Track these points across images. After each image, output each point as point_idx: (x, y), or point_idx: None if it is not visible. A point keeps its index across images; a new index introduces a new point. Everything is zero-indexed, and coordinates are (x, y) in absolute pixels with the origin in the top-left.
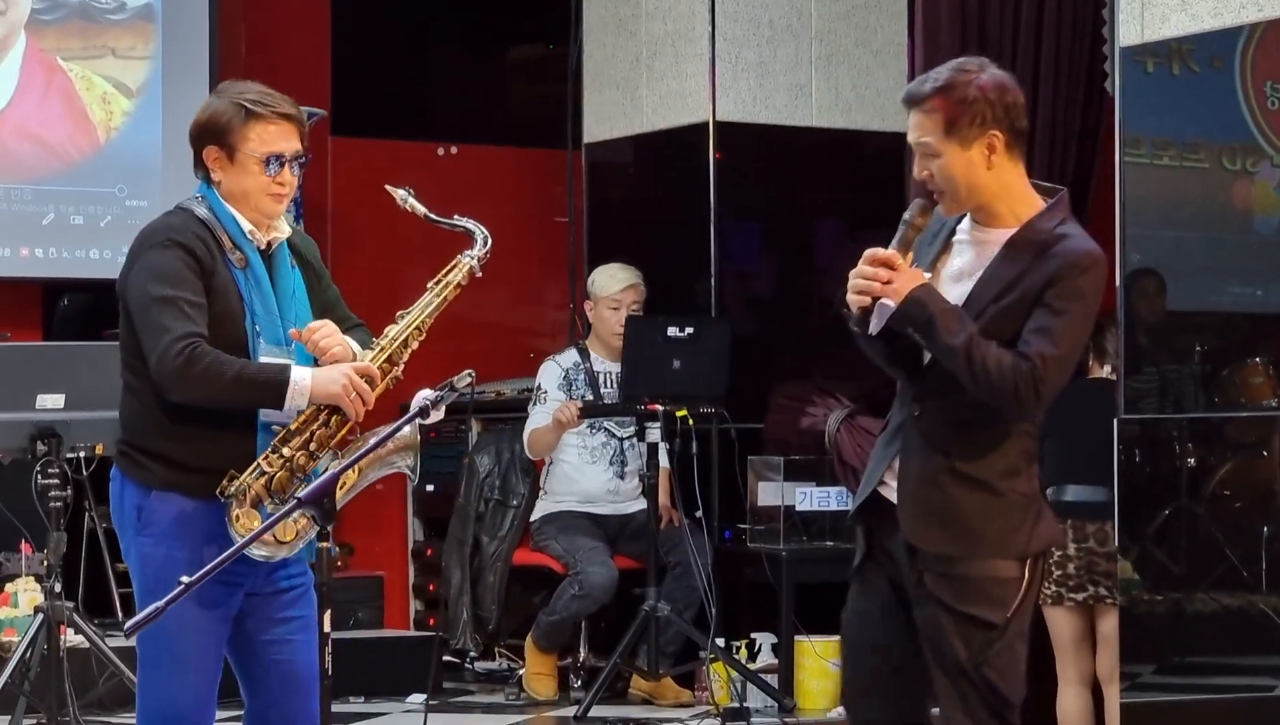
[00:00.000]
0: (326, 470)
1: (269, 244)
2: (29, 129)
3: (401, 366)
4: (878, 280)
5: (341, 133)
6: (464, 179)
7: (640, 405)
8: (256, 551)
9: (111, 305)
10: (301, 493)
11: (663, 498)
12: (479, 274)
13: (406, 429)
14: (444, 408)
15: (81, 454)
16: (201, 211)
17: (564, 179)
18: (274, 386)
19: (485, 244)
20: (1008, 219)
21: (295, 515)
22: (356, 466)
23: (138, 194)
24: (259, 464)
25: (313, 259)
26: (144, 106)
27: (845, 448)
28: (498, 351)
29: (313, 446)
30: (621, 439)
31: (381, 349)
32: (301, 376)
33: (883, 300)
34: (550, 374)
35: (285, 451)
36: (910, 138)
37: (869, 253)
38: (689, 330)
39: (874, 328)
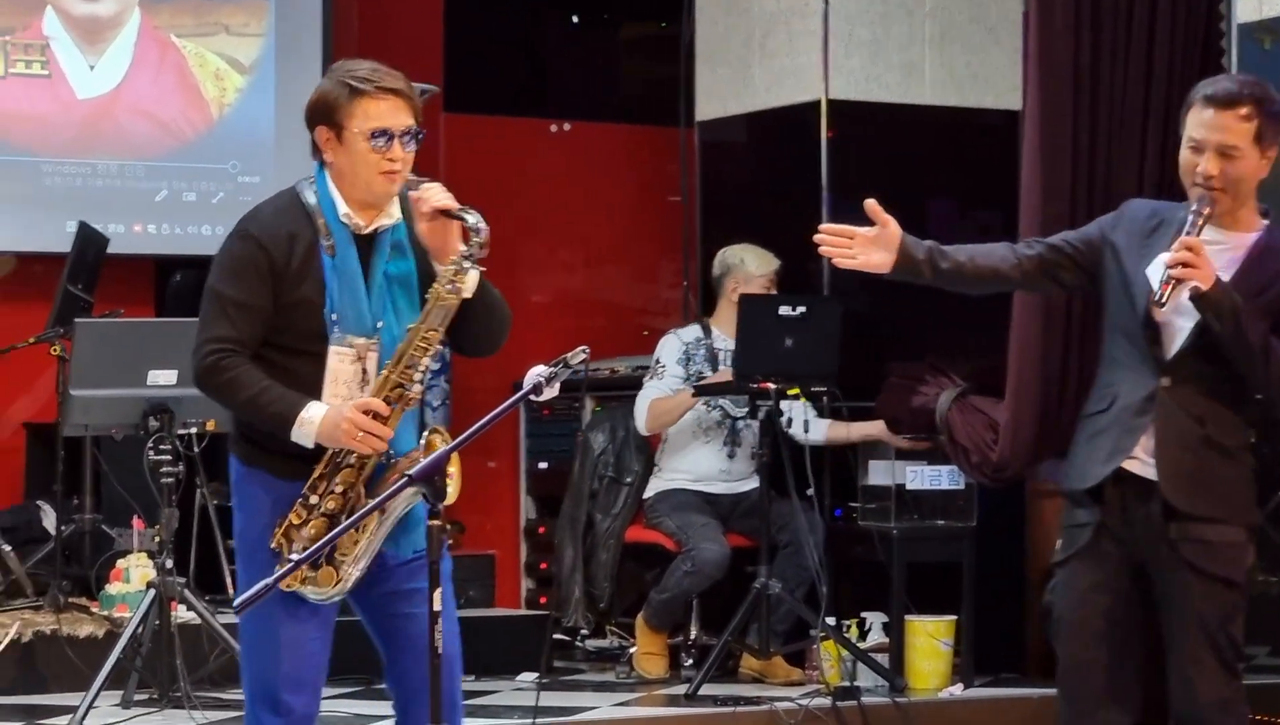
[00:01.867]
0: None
1: (377, 230)
2: (143, 106)
3: (417, 386)
4: (1192, 265)
5: (455, 109)
6: (577, 156)
7: (753, 383)
8: (311, 594)
9: None
10: (413, 470)
11: (860, 429)
12: (475, 270)
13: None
14: (557, 385)
15: (193, 430)
16: (308, 194)
17: (676, 157)
18: (281, 420)
19: (480, 236)
20: (1245, 224)
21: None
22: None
23: (250, 170)
24: (289, 518)
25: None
26: (257, 83)
27: (956, 427)
28: (612, 329)
29: (340, 488)
30: (735, 418)
31: (384, 378)
32: (311, 416)
33: (1192, 282)
34: (670, 348)
35: (313, 499)
36: (1212, 137)
37: (1183, 240)
38: (801, 309)
39: (1169, 306)
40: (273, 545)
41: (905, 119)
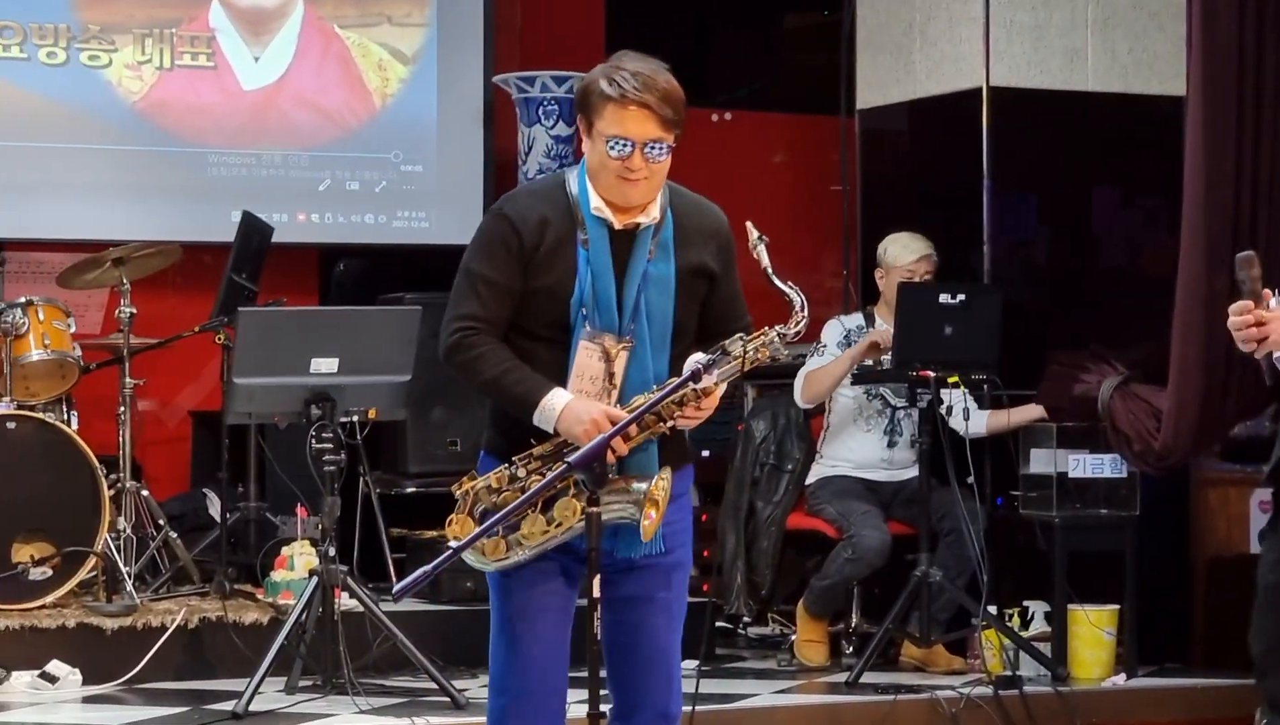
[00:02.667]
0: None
1: (637, 226)
2: (306, 96)
3: (671, 423)
4: (1250, 336)
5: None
6: (739, 146)
7: (912, 372)
8: (468, 557)
9: (385, 270)
10: (572, 457)
11: (1017, 415)
12: (783, 352)
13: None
14: (716, 372)
15: (355, 418)
16: (571, 182)
17: (838, 146)
18: (523, 403)
19: (801, 320)
20: None
21: (502, 534)
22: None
23: (413, 159)
24: (490, 478)
25: (706, 255)
26: (419, 73)
27: (1119, 415)
28: (773, 318)
29: (549, 471)
30: (895, 407)
31: (646, 402)
32: (554, 403)
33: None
34: (833, 331)
35: (520, 472)
36: None
37: (1231, 309)
38: (961, 297)
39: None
40: (457, 492)
41: (1068, 106)
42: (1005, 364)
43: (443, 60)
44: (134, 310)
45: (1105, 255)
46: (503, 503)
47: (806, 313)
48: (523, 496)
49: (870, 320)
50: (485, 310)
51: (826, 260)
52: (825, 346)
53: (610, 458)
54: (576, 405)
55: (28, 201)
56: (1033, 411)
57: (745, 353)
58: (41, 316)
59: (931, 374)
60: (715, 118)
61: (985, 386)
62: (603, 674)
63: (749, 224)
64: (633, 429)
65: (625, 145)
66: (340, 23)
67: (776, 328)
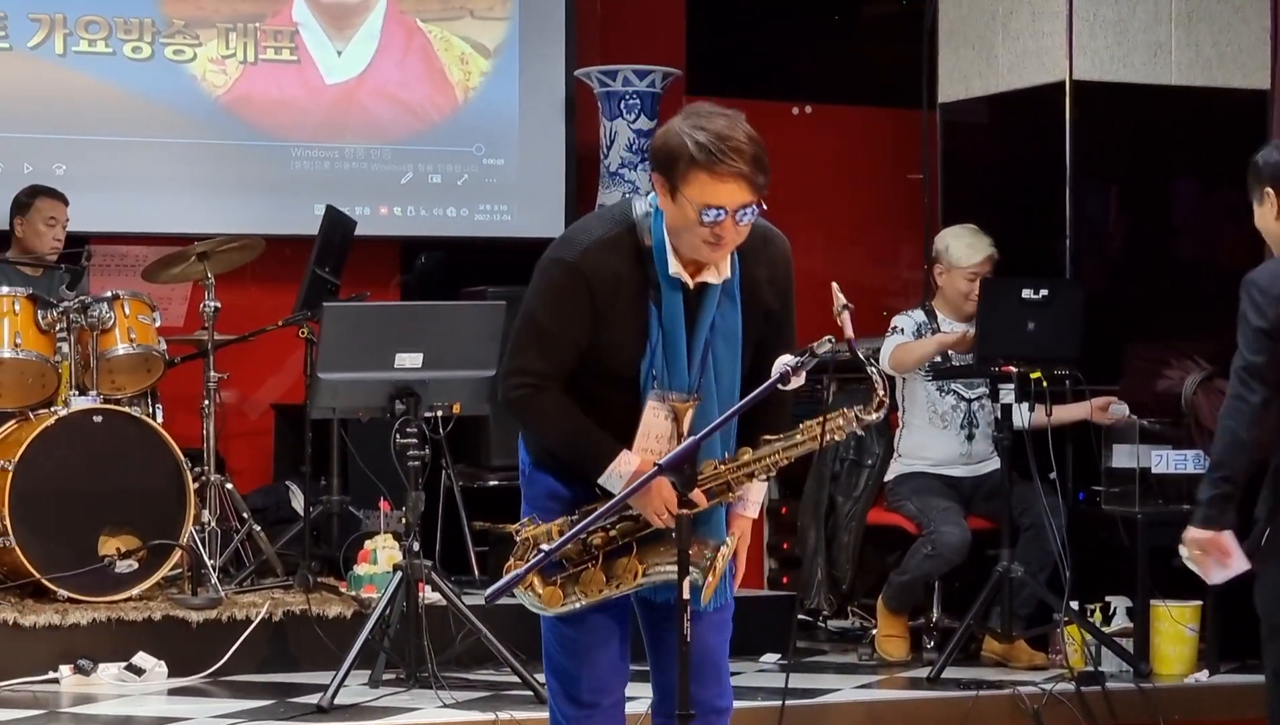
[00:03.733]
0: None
1: (706, 283)
2: (389, 90)
3: (740, 492)
4: None
5: (696, 92)
6: (819, 139)
7: (994, 367)
8: (520, 596)
9: (467, 263)
10: (663, 460)
11: (1078, 412)
12: (859, 432)
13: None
14: (804, 374)
15: (439, 413)
16: (645, 233)
17: (918, 139)
18: (593, 464)
19: (881, 408)
20: None
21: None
22: (640, 573)
23: (495, 153)
24: (551, 528)
25: (769, 294)
26: (501, 66)
27: (1202, 410)
28: (826, 321)
29: (613, 532)
30: (970, 401)
31: (716, 471)
32: (624, 470)
33: None
34: (905, 323)
35: (593, 540)
36: None
37: None
38: (1043, 292)
39: None
40: (519, 536)
41: (1151, 99)
42: (1087, 358)
43: (524, 54)
44: (218, 304)
45: (1186, 248)
46: (565, 553)
47: (887, 398)
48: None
49: (931, 316)
50: (548, 365)
51: (904, 253)
52: (901, 330)
53: (669, 523)
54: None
55: (113, 196)
56: (1076, 411)
57: (819, 434)
58: (127, 311)
59: (1014, 369)
60: (795, 111)
61: (1067, 381)
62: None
63: (835, 286)
64: (703, 501)
65: (719, 213)
66: (422, 16)
67: (856, 410)
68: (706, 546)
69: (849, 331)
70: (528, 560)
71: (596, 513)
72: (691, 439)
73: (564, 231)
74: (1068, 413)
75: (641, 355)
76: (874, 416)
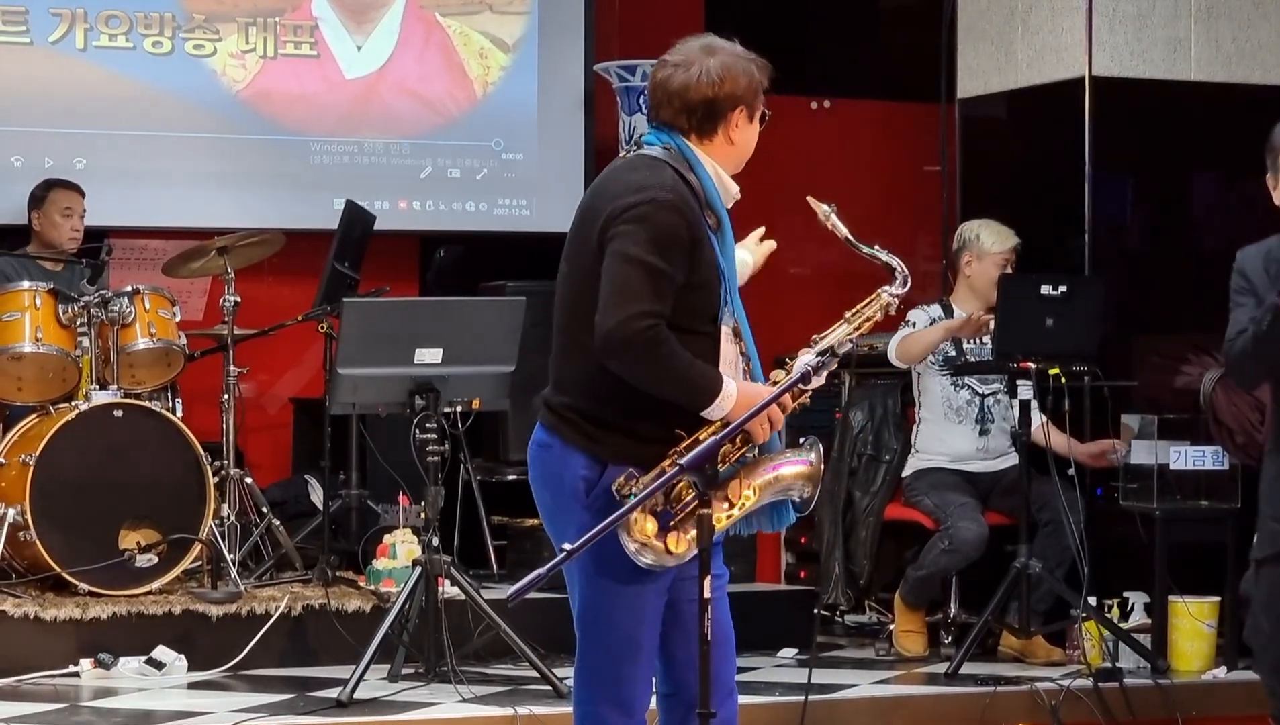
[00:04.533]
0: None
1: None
2: (408, 85)
3: (809, 393)
4: None
5: None
6: (838, 133)
7: (1013, 363)
8: (643, 558)
9: (486, 258)
10: (684, 459)
11: (1079, 449)
12: (893, 311)
13: (808, 460)
14: (825, 374)
15: (459, 408)
16: (686, 172)
17: (937, 134)
18: (707, 392)
19: (904, 283)
20: None
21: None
22: (755, 489)
23: (514, 147)
24: (662, 467)
25: None
26: (520, 61)
27: (1221, 407)
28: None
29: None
30: (984, 396)
31: (789, 375)
32: (730, 390)
33: None
34: (920, 317)
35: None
36: None
37: None
38: (1062, 288)
39: None
40: (620, 493)
41: (1171, 95)
42: (1106, 353)
43: (544, 49)
44: (237, 299)
45: (1205, 245)
46: (676, 494)
47: (907, 271)
48: (645, 491)
49: (948, 311)
50: (664, 306)
51: (923, 245)
52: (914, 324)
53: (769, 433)
54: (747, 389)
55: (133, 190)
56: (1095, 448)
57: (859, 317)
58: (148, 305)
59: (1032, 365)
60: (814, 105)
61: (1086, 378)
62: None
63: (810, 198)
64: (790, 405)
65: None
66: (442, 11)
67: (885, 289)
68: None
69: (843, 230)
70: (649, 512)
71: (652, 487)
72: (713, 439)
73: (616, 185)
74: (1085, 449)
75: (720, 288)
76: (900, 290)
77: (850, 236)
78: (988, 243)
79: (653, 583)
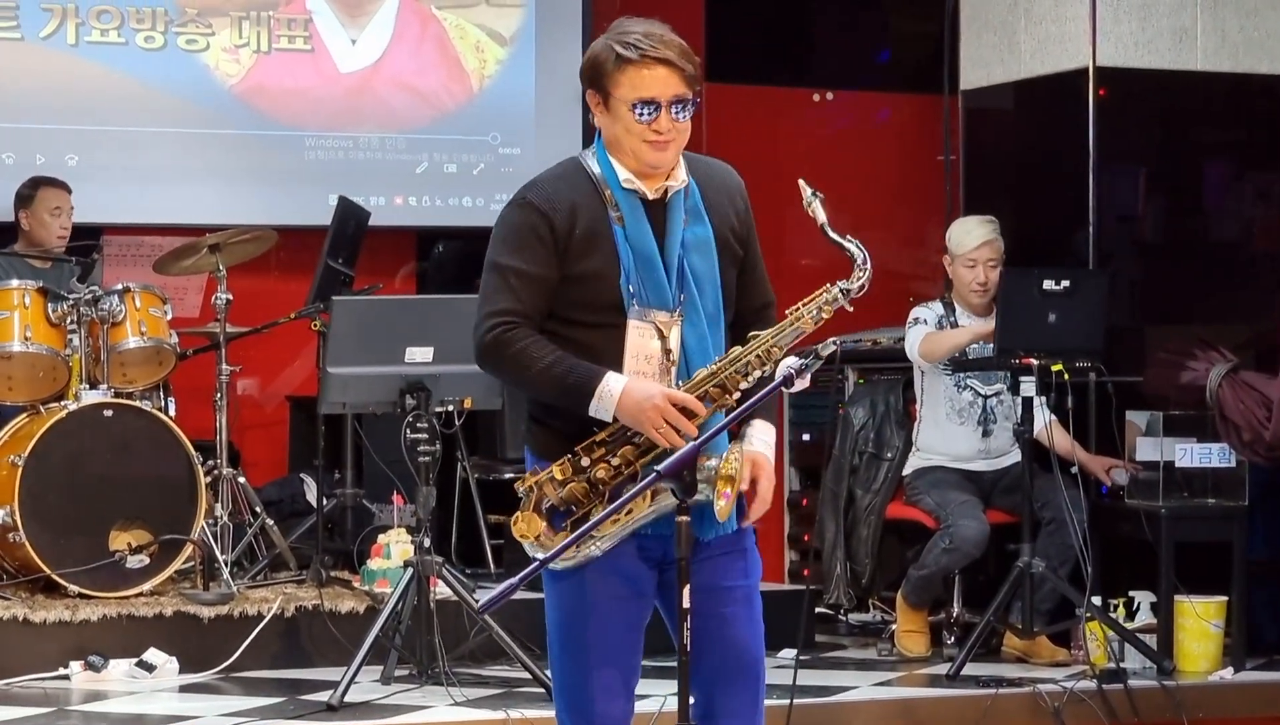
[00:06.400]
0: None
1: (665, 192)
2: (403, 79)
3: (738, 394)
4: None
5: (717, 79)
6: (840, 125)
7: (1015, 359)
8: (538, 554)
9: (483, 253)
10: (660, 465)
11: (1081, 455)
12: (848, 307)
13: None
14: (809, 377)
15: (450, 407)
16: (591, 163)
17: (940, 125)
18: (578, 393)
19: (863, 274)
20: None
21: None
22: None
23: (511, 141)
24: (554, 469)
25: (732, 214)
26: (517, 54)
27: (1227, 403)
28: (876, 296)
29: (616, 461)
30: (987, 397)
31: (711, 373)
32: (611, 388)
33: None
34: (929, 313)
35: (584, 462)
36: None
37: None
38: (1065, 283)
39: None
40: (522, 488)
41: (1177, 85)
42: (1108, 342)
43: (541, 41)
44: (230, 296)
45: (1213, 237)
46: (569, 495)
47: (870, 268)
48: (610, 506)
49: (950, 308)
50: (521, 304)
51: (930, 237)
52: (925, 321)
53: (679, 442)
54: (635, 388)
55: (126, 186)
56: (1099, 464)
57: (803, 314)
58: (138, 303)
59: (1034, 361)
60: (816, 97)
61: (1090, 374)
62: None
63: (801, 181)
64: (699, 407)
65: (652, 108)
66: (437, 4)
67: (839, 283)
68: (702, 458)
69: (821, 217)
70: (535, 509)
71: (631, 494)
72: (691, 444)
73: None
74: (1091, 462)
75: (619, 277)
76: (859, 284)
77: (825, 223)
78: (956, 241)
79: (599, 584)
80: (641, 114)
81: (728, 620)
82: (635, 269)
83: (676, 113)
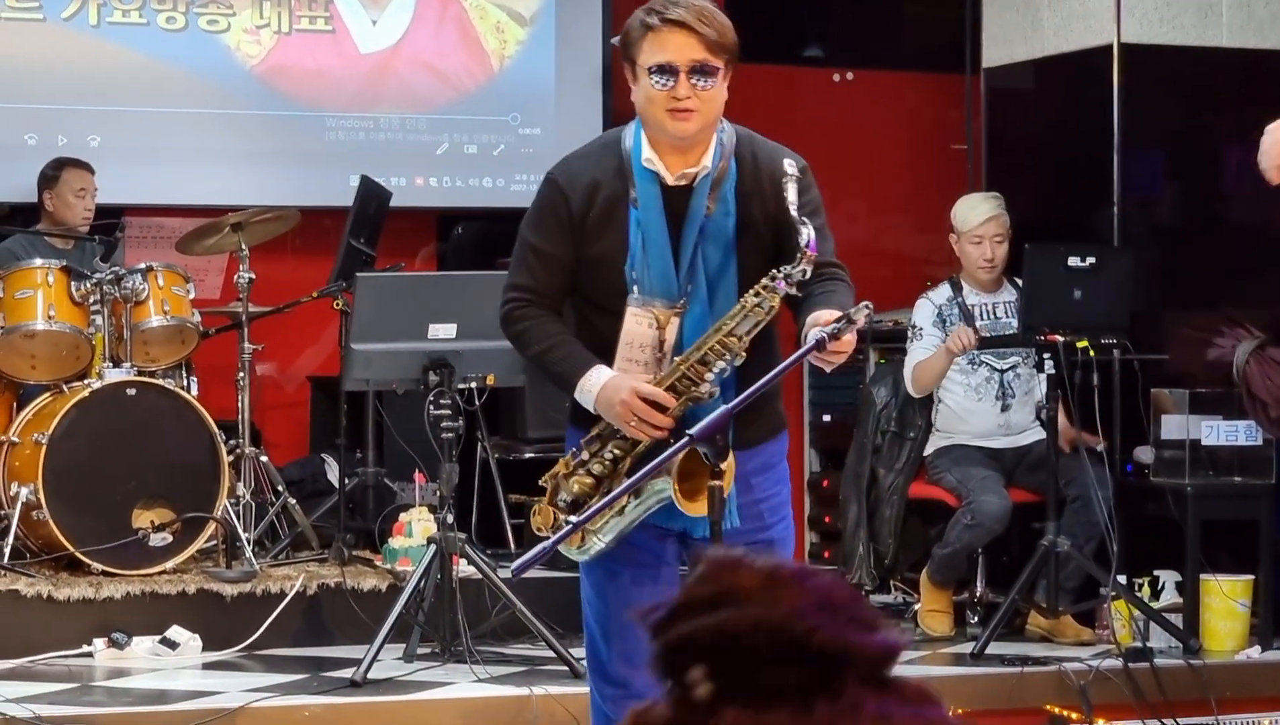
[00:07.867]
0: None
1: (694, 177)
2: (424, 60)
3: (706, 386)
4: None
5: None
6: (861, 105)
7: (1040, 336)
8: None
9: (503, 233)
10: (694, 430)
11: (1062, 422)
12: (793, 291)
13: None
14: (854, 334)
15: (474, 384)
16: (626, 136)
17: (962, 105)
18: (563, 381)
19: (802, 260)
20: None
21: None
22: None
23: (531, 122)
24: (559, 464)
25: (769, 200)
26: (537, 34)
27: (1254, 380)
28: (896, 279)
29: (609, 455)
30: (1002, 372)
31: (675, 366)
32: (592, 383)
33: None
34: (924, 312)
35: (584, 455)
36: None
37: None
38: (1090, 260)
39: None
40: (541, 482)
41: (1201, 62)
42: (1136, 326)
43: (561, 22)
44: (253, 276)
45: (1237, 214)
46: (577, 488)
47: (814, 250)
48: (620, 486)
49: (957, 288)
50: (535, 281)
51: (948, 221)
52: (921, 329)
53: (655, 434)
54: (609, 383)
55: (147, 167)
56: (1068, 434)
57: (748, 301)
58: (161, 282)
59: (1060, 338)
60: (836, 78)
61: (1115, 351)
62: None
63: (787, 160)
64: (668, 399)
65: (668, 74)
66: None
67: (784, 269)
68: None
69: (791, 196)
70: (551, 501)
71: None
72: (724, 408)
73: None
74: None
75: (624, 264)
76: (799, 268)
77: (793, 203)
78: (960, 219)
79: (626, 557)
80: (658, 80)
81: None
82: (642, 255)
83: (696, 80)
